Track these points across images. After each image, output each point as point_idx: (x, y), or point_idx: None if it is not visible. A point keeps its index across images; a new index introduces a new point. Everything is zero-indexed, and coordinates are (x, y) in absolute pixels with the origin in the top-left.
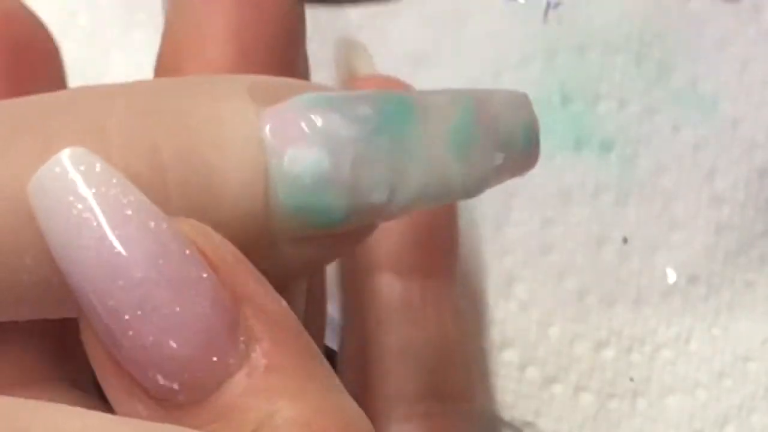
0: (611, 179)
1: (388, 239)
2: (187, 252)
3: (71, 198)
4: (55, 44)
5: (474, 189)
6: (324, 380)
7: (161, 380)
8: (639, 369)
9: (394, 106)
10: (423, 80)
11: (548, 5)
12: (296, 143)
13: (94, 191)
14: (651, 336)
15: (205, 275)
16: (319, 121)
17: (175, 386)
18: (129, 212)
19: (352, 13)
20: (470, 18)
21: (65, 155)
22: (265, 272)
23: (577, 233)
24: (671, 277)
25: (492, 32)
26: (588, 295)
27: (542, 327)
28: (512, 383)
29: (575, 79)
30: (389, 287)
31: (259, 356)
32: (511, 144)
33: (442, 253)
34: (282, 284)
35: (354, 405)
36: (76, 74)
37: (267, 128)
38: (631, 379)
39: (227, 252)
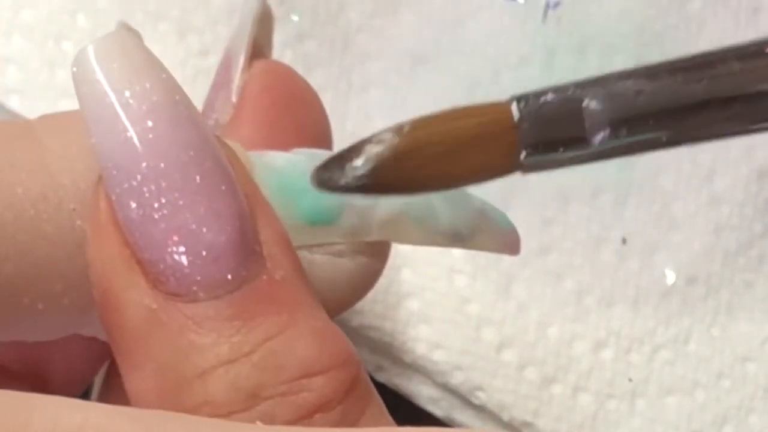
0: (610, 180)
1: None
2: (216, 145)
3: (97, 85)
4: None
5: (462, 227)
6: (323, 308)
7: (184, 269)
8: (638, 369)
9: None
10: (422, 80)
11: (547, 5)
12: (275, 152)
13: (122, 76)
14: (650, 336)
15: (231, 172)
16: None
17: (196, 277)
18: (177, 97)
19: (352, 12)
20: (469, 18)
21: (92, 43)
22: None
23: (576, 234)
24: (670, 277)
25: (491, 32)
26: (587, 295)
27: (541, 327)
28: (511, 383)
29: (573, 78)
30: None
31: (274, 267)
32: (484, 205)
33: None
34: None
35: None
36: None
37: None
38: (630, 380)
39: (244, 168)
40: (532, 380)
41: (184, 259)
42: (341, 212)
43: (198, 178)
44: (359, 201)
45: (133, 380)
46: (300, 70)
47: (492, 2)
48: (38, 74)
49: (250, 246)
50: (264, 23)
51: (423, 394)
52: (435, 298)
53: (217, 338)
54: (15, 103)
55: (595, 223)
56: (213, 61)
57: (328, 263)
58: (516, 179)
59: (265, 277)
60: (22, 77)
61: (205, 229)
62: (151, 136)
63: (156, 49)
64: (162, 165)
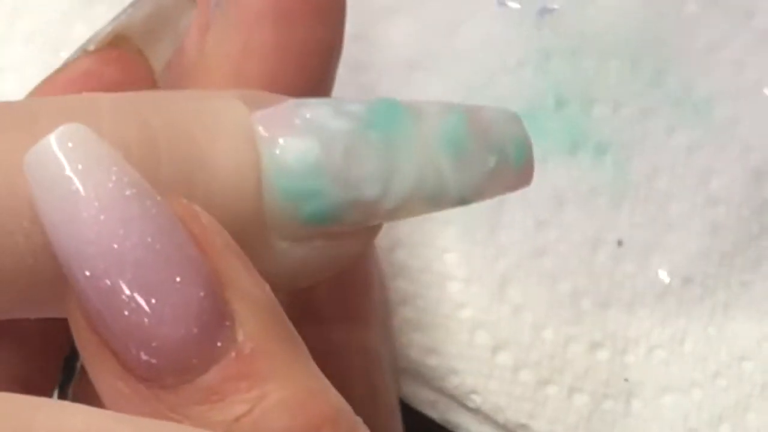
0: (606, 182)
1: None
2: (179, 232)
3: (60, 176)
4: None
5: (469, 193)
6: (309, 365)
7: (150, 360)
8: (634, 370)
9: (384, 105)
10: (418, 86)
11: (542, 10)
12: (287, 132)
13: (84, 167)
14: (645, 337)
15: (197, 257)
16: (308, 114)
17: (162, 367)
18: (126, 191)
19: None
20: (464, 23)
21: (54, 134)
22: (266, 278)
23: (572, 236)
24: (666, 278)
25: (486, 38)
26: (582, 297)
27: (536, 330)
28: (506, 385)
29: (570, 83)
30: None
31: (245, 340)
32: (503, 150)
33: (358, 297)
34: (288, 290)
35: (337, 392)
36: None
37: (258, 121)
38: (626, 380)
39: (215, 234)
40: (527, 382)
41: (143, 354)
42: (346, 212)
43: (151, 274)
44: (367, 197)
45: None
46: None
47: (487, 8)
48: (36, 82)
49: (215, 326)
50: None
51: (418, 396)
52: (427, 305)
53: (188, 422)
54: None
55: (590, 226)
56: None
57: (325, 248)
58: None
59: (234, 353)
60: (19, 85)
61: (161, 323)
62: (100, 235)
63: None
64: (113, 263)
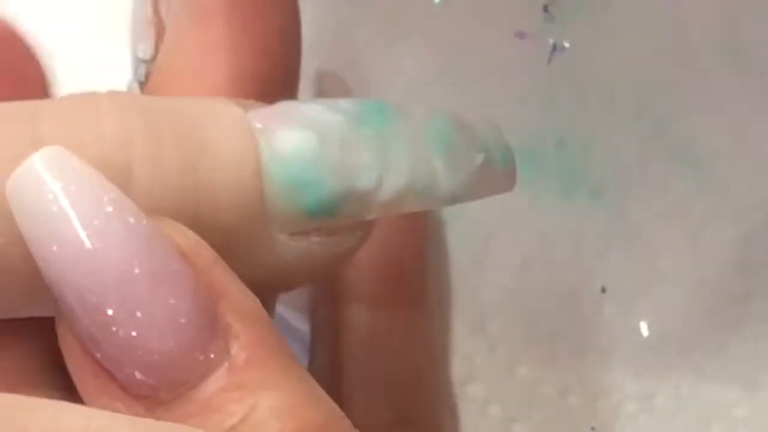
0: (596, 227)
1: (357, 271)
2: (165, 247)
3: (41, 198)
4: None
5: (459, 191)
6: (300, 373)
7: (142, 377)
8: (601, 418)
9: (374, 104)
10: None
11: (554, 48)
12: (283, 125)
13: (66, 189)
14: (618, 387)
15: (184, 271)
16: (302, 109)
17: (157, 383)
18: (108, 209)
19: (356, 36)
20: (475, 51)
21: (38, 155)
22: (265, 274)
23: (556, 277)
24: (645, 331)
25: (496, 67)
26: (559, 339)
27: (509, 366)
28: (474, 418)
29: (572, 124)
30: (357, 318)
31: (238, 351)
32: (488, 150)
33: (410, 285)
34: (285, 287)
35: (329, 398)
36: (67, 78)
37: (254, 118)
38: (593, 429)
39: (203, 249)
40: (494, 417)
41: (137, 373)
42: (343, 202)
43: (134, 290)
44: (363, 188)
45: None
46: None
47: (501, 38)
48: None
49: (207, 339)
50: None
51: None
52: None
53: None
54: None
55: (576, 269)
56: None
57: (322, 244)
58: (500, 217)
59: (226, 364)
60: None
61: (151, 339)
62: (85, 255)
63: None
64: (95, 283)
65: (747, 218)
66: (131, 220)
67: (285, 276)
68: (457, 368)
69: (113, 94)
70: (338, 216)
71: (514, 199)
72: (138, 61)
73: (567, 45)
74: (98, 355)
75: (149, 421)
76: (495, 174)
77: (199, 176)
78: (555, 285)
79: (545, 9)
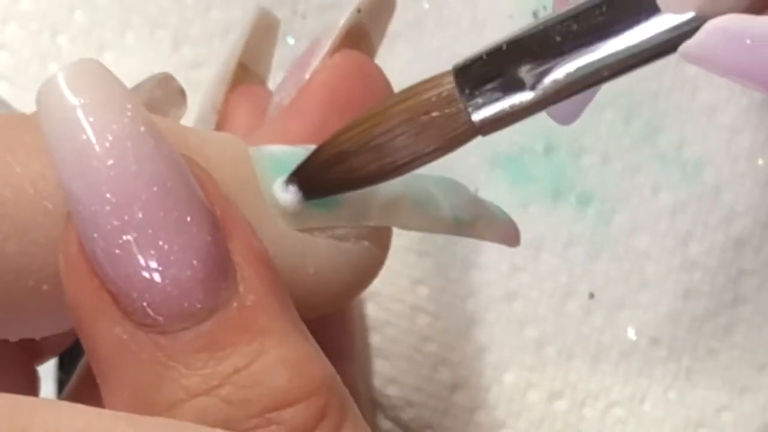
0: (585, 233)
1: None
2: (188, 174)
3: (70, 111)
4: None
5: (461, 214)
6: (304, 329)
7: (149, 303)
8: (589, 424)
9: None
10: None
11: None
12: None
13: (94, 104)
14: (606, 393)
15: (203, 199)
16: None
17: (165, 310)
18: (141, 129)
19: None
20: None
21: (65, 68)
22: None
23: (544, 283)
24: (633, 336)
25: None
26: (547, 345)
27: (497, 372)
28: (461, 425)
29: (561, 130)
30: None
31: (246, 292)
32: (484, 199)
33: (342, 336)
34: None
35: (328, 361)
36: None
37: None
38: None
39: (217, 185)
40: (481, 424)
41: (148, 294)
42: (340, 197)
43: (162, 213)
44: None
45: (109, 403)
46: None
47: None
48: (29, 64)
49: (220, 273)
50: (266, 35)
51: (378, 425)
52: (396, 334)
53: (185, 371)
54: (2, 90)
55: (564, 275)
56: (205, 74)
57: (330, 246)
58: None
59: (235, 304)
60: (12, 65)
61: (170, 264)
62: (112, 172)
63: (150, 56)
64: (123, 201)
65: (736, 224)
66: (160, 142)
67: (294, 267)
68: (444, 375)
69: None
70: (335, 210)
71: (503, 205)
72: None
73: None
74: (108, 277)
75: (150, 419)
76: (495, 217)
77: (190, 148)
78: (543, 291)
79: (535, 15)
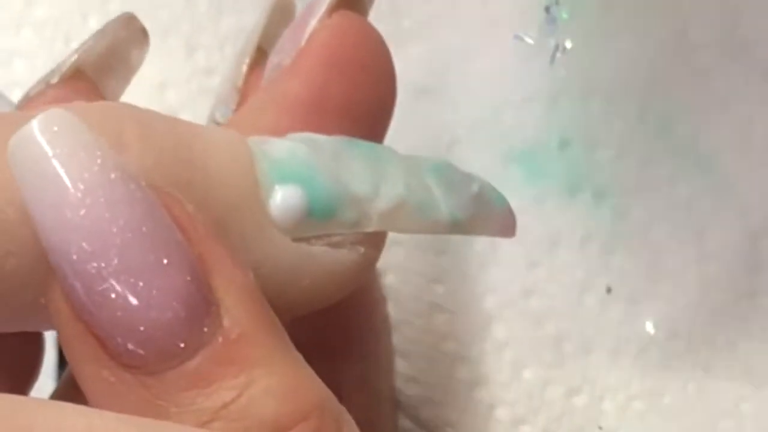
0: (601, 227)
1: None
2: (164, 216)
3: (43, 161)
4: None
5: (460, 214)
6: (293, 353)
7: (134, 347)
8: (609, 418)
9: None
10: (423, 113)
11: (556, 48)
12: (276, 139)
13: (65, 153)
14: (625, 387)
15: (180, 240)
16: (294, 135)
17: (150, 353)
18: (112, 176)
19: None
20: (477, 54)
21: (37, 119)
22: (268, 274)
23: (562, 278)
24: (651, 330)
25: (497, 70)
26: (565, 341)
27: (516, 369)
28: (481, 421)
29: (576, 124)
30: None
31: (231, 325)
32: (483, 184)
33: (364, 334)
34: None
35: (320, 380)
36: None
37: (249, 138)
38: (600, 428)
39: (198, 222)
40: (501, 420)
41: (132, 338)
42: (340, 206)
43: (138, 258)
44: (359, 193)
45: None
46: None
47: (502, 40)
48: (43, 71)
49: (202, 311)
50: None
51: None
52: (414, 333)
53: (175, 410)
54: (17, 96)
55: (582, 270)
56: (218, 81)
57: (326, 255)
58: None
59: (221, 338)
60: (27, 71)
61: (150, 308)
62: (86, 221)
63: (163, 63)
64: (98, 249)
65: (752, 216)
66: (132, 186)
67: (289, 281)
68: (463, 372)
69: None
70: (335, 220)
71: (519, 201)
72: (211, 122)
73: (569, 46)
74: (91, 322)
75: (154, 423)
76: (493, 210)
77: (194, 155)
78: (560, 286)
79: (547, 10)
